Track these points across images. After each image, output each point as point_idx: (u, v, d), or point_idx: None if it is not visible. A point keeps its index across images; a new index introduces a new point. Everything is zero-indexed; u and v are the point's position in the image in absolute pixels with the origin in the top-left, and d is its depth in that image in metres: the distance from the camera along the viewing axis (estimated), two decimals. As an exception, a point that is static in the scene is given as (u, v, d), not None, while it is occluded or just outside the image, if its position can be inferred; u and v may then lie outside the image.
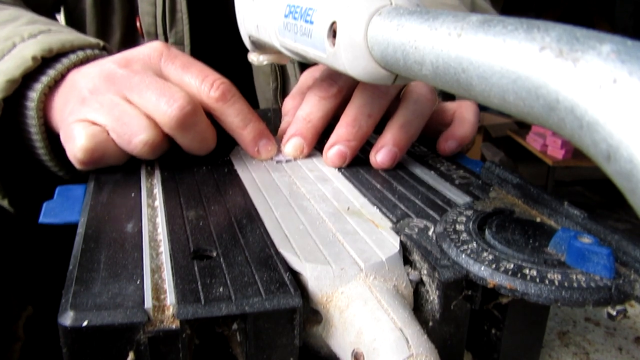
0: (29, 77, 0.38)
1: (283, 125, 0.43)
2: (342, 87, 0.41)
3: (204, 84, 0.37)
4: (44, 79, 0.38)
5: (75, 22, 0.63)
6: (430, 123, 0.42)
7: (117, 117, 0.35)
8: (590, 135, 0.13)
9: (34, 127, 0.38)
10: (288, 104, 0.44)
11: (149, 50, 0.38)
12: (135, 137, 0.35)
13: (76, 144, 0.34)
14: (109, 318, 0.20)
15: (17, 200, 0.41)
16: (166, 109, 0.34)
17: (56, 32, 0.41)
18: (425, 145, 0.44)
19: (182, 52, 0.41)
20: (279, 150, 0.40)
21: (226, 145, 0.42)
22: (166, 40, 0.59)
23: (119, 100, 0.36)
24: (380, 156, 0.38)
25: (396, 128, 0.38)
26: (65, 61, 0.39)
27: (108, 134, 0.35)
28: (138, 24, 0.60)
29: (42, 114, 0.38)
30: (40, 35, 0.40)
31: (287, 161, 0.39)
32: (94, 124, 0.35)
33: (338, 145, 0.38)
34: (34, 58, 0.37)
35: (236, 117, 0.38)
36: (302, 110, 0.41)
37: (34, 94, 0.38)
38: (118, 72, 0.36)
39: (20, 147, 0.40)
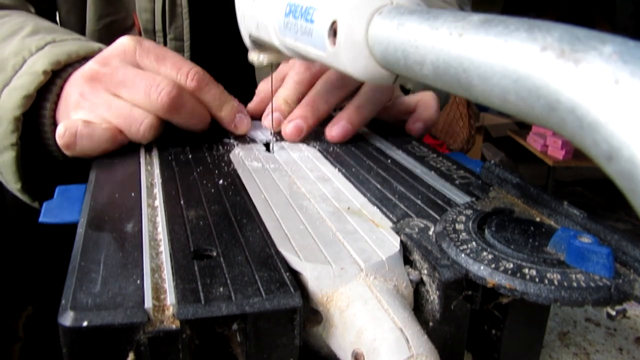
0: (41, 89, 0.41)
1: (252, 104, 0.48)
2: (316, 73, 0.46)
3: (179, 74, 0.40)
4: (54, 89, 0.41)
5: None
6: (395, 113, 0.50)
7: (118, 114, 0.39)
8: (591, 135, 0.13)
9: (49, 133, 0.42)
10: (262, 87, 0.50)
11: (123, 46, 0.41)
12: (141, 125, 0.39)
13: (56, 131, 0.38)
14: (109, 318, 0.20)
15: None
16: (155, 97, 0.38)
17: (61, 42, 0.44)
18: (394, 131, 0.47)
19: (158, 44, 0.44)
20: (257, 129, 0.46)
21: (226, 142, 0.42)
22: (165, 36, 0.59)
23: (111, 97, 0.39)
24: (334, 130, 0.43)
25: (352, 109, 0.44)
26: (70, 70, 0.42)
27: (84, 123, 0.38)
28: (135, 21, 0.60)
29: (53, 121, 0.42)
30: (47, 46, 0.43)
31: (276, 141, 0.43)
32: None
33: (296, 120, 0.43)
34: (44, 72, 0.40)
35: (213, 101, 0.42)
36: (281, 93, 0.46)
37: (48, 104, 0.41)
38: (101, 71, 0.39)
39: (43, 151, 0.43)
